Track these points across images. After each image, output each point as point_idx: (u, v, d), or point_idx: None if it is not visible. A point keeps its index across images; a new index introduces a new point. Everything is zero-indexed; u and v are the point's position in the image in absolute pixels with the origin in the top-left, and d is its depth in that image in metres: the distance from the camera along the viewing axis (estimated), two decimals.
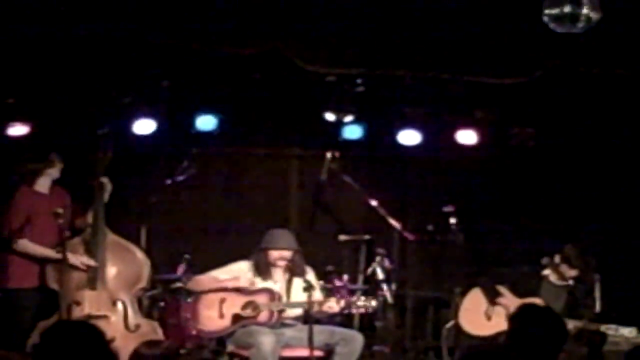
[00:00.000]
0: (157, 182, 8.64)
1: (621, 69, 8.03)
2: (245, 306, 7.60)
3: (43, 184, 7.48)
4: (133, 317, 7.38)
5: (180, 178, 8.62)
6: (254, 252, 7.80)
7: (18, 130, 8.53)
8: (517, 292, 7.99)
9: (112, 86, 8.48)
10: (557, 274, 8.06)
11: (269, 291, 7.64)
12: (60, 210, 7.13)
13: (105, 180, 7.51)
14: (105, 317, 7.19)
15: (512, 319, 4.68)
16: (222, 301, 7.63)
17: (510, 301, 7.87)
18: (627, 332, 7.66)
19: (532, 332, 4.51)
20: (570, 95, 8.80)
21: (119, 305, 7.37)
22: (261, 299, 7.61)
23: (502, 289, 8.04)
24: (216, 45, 7.70)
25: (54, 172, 7.50)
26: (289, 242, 7.78)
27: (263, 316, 7.58)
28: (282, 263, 7.74)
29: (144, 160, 8.88)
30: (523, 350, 4.43)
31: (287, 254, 7.73)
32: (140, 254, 7.58)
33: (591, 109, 8.96)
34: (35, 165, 7.43)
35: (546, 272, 8.09)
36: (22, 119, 8.51)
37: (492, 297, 8.00)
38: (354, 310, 7.84)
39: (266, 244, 7.76)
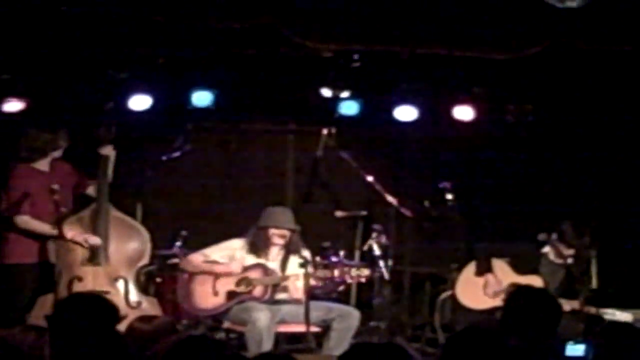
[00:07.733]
0: (153, 159, 8.61)
1: (619, 45, 7.99)
2: (239, 282, 7.60)
3: (43, 162, 7.48)
4: (134, 294, 7.40)
5: (176, 154, 8.60)
6: (252, 230, 7.79)
7: (14, 106, 8.48)
8: (517, 270, 7.97)
9: (108, 62, 8.44)
10: (555, 252, 8.04)
11: (261, 266, 7.64)
12: (55, 187, 7.17)
13: (109, 150, 7.51)
14: (106, 293, 7.14)
15: (507, 301, 4.68)
16: (216, 278, 7.63)
17: (502, 278, 7.84)
18: (624, 317, 7.64)
19: (526, 315, 4.51)
20: (568, 71, 8.76)
21: (121, 282, 7.39)
22: (254, 275, 7.61)
23: (501, 263, 8.00)
24: (210, 19, 7.66)
25: (57, 153, 7.51)
26: (289, 221, 7.77)
27: (258, 291, 7.58)
28: (281, 241, 7.73)
29: (140, 136, 8.84)
30: (517, 332, 4.43)
31: (287, 232, 7.72)
32: (143, 231, 7.58)
33: (589, 86, 8.92)
34: (42, 145, 7.40)
35: (546, 249, 8.07)
36: (18, 95, 8.47)
37: (483, 270, 7.97)
38: (347, 278, 7.79)
39: (266, 222, 7.73)
